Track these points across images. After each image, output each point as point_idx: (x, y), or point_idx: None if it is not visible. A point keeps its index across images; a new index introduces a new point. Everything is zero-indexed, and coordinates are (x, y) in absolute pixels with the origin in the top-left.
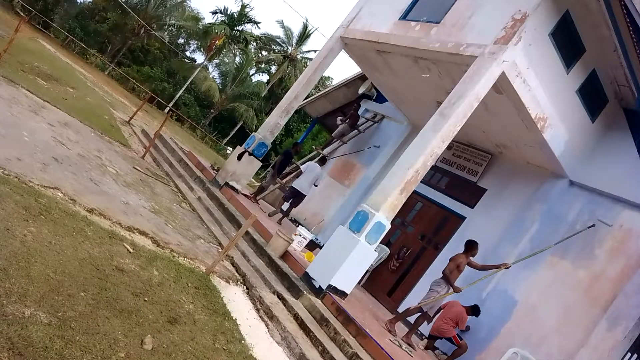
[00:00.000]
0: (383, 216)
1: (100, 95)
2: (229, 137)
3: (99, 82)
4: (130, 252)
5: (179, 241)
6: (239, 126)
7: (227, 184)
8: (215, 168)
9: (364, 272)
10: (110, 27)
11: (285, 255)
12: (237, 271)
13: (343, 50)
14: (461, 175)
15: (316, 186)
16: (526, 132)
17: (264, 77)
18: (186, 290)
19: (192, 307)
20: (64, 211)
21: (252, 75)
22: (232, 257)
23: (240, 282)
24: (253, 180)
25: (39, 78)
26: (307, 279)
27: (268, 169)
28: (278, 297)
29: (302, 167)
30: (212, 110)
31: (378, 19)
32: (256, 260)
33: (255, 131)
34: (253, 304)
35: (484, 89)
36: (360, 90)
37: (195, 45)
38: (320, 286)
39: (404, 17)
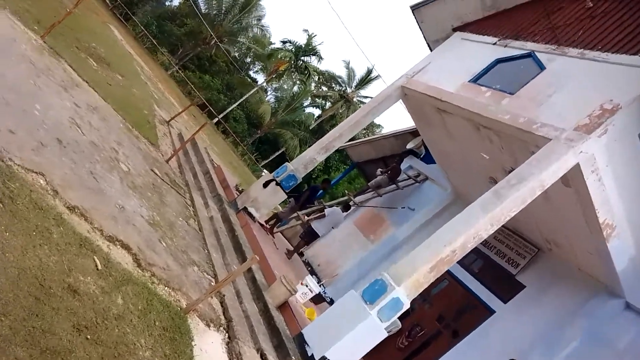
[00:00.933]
0: (403, 292)
1: (149, 90)
2: (268, 160)
3: (156, 78)
4: (97, 269)
5: (167, 264)
6: (280, 152)
7: (245, 209)
8: (239, 189)
9: (367, 351)
10: (187, 32)
11: (284, 307)
12: (223, 313)
13: (400, 100)
14: (499, 263)
15: (333, 228)
16: (587, 236)
17: (317, 112)
18: (150, 330)
19: (147, 356)
20: (35, 203)
21: (306, 106)
22: (224, 296)
23: (223, 329)
24: (279, 207)
25: (90, 59)
26: (300, 341)
27: (290, 198)
28: (261, 356)
29: (326, 211)
30: (259, 131)
31: (446, 76)
32: (250, 305)
33: (293, 157)
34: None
35: (551, 178)
36: (409, 146)
37: (259, 67)
38: (312, 355)
39: (474, 80)
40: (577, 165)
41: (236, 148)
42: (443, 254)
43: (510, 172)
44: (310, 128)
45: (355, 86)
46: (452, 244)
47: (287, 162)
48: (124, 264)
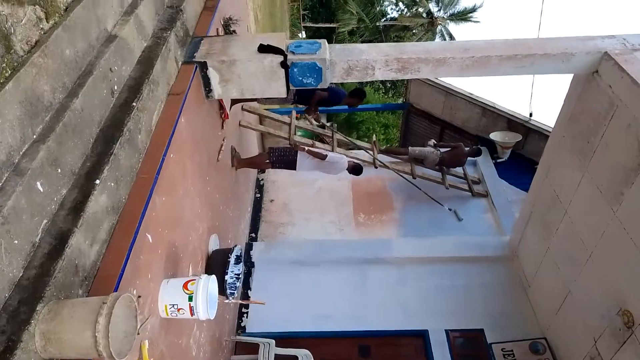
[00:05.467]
0: None
1: None
2: (313, 25)
3: None
4: None
5: None
6: (331, 25)
7: (204, 65)
8: (229, 28)
9: None
10: None
11: None
12: None
13: (574, 76)
14: None
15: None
16: None
17: (392, 13)
18: None
19: None
20: None
21: None
22: None
23: None
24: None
25: None
26: None
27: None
28: None
29: (331, 155)
30: None
31: None
32: None
33: (338, 42)
34: None
35: None
36: (494, 136)
37: None
38: None
39: None
40: None
41: None
42: None
43: None
44: (377, 23)
45: (450, 15)
46: None
47: (322, 41)
48: None
